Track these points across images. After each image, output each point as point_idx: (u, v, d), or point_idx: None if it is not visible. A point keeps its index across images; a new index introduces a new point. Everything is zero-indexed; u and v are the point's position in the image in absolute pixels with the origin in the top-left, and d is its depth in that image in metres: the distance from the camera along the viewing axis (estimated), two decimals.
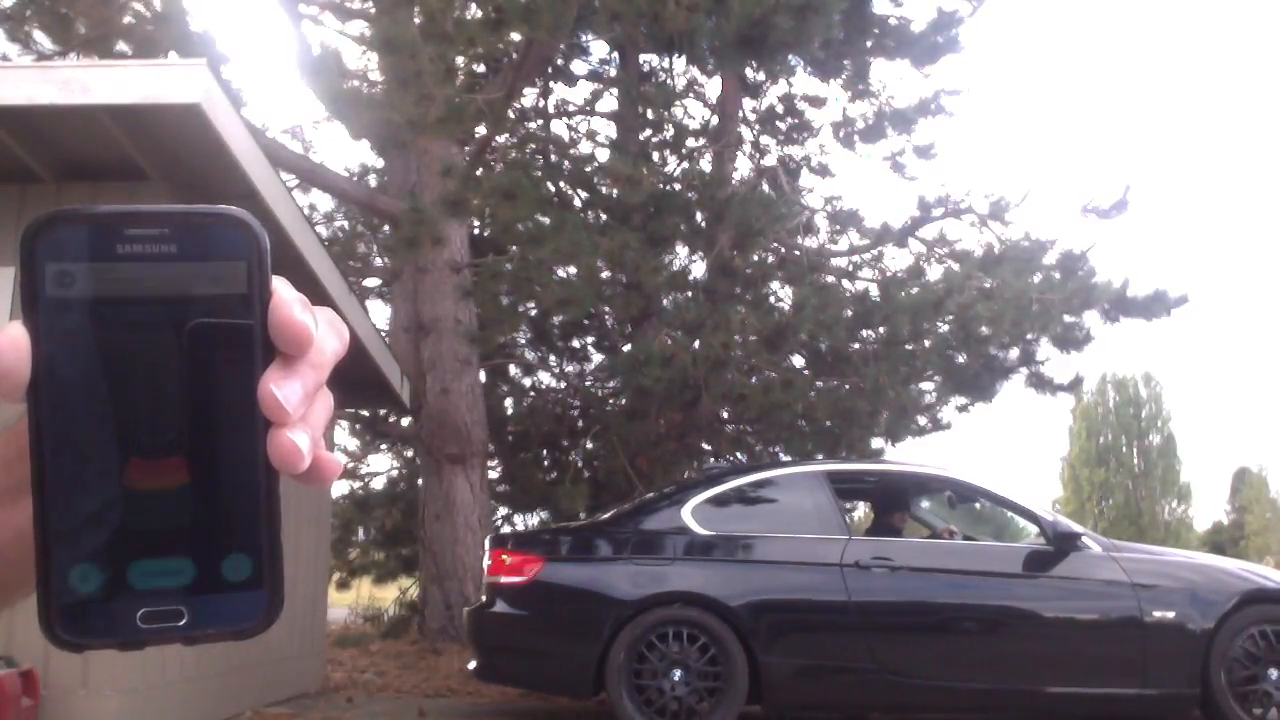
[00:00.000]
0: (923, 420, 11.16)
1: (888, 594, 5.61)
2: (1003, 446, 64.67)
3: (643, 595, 5.55)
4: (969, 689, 5.53)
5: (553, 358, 13.24)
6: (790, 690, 5.56)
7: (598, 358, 12.92)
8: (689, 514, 5.86)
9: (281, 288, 0.44)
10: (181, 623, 0.42)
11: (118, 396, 0.42)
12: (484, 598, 5.90)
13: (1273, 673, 5.42)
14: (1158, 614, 5.49)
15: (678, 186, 9.82)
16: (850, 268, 11.93)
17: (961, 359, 10.44)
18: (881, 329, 9.87)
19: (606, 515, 6.50)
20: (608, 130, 13.20)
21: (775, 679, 5.48)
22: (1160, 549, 6.36)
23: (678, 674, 5.41)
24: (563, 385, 13.00)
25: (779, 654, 5.50)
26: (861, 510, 9.19)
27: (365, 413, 11.77)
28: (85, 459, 0.41)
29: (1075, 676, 5.49)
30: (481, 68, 10.85)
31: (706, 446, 11.18)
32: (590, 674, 5.47)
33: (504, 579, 5.73)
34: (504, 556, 5.78)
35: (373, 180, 13.08)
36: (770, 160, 12.85)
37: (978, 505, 6.52)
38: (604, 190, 10.84)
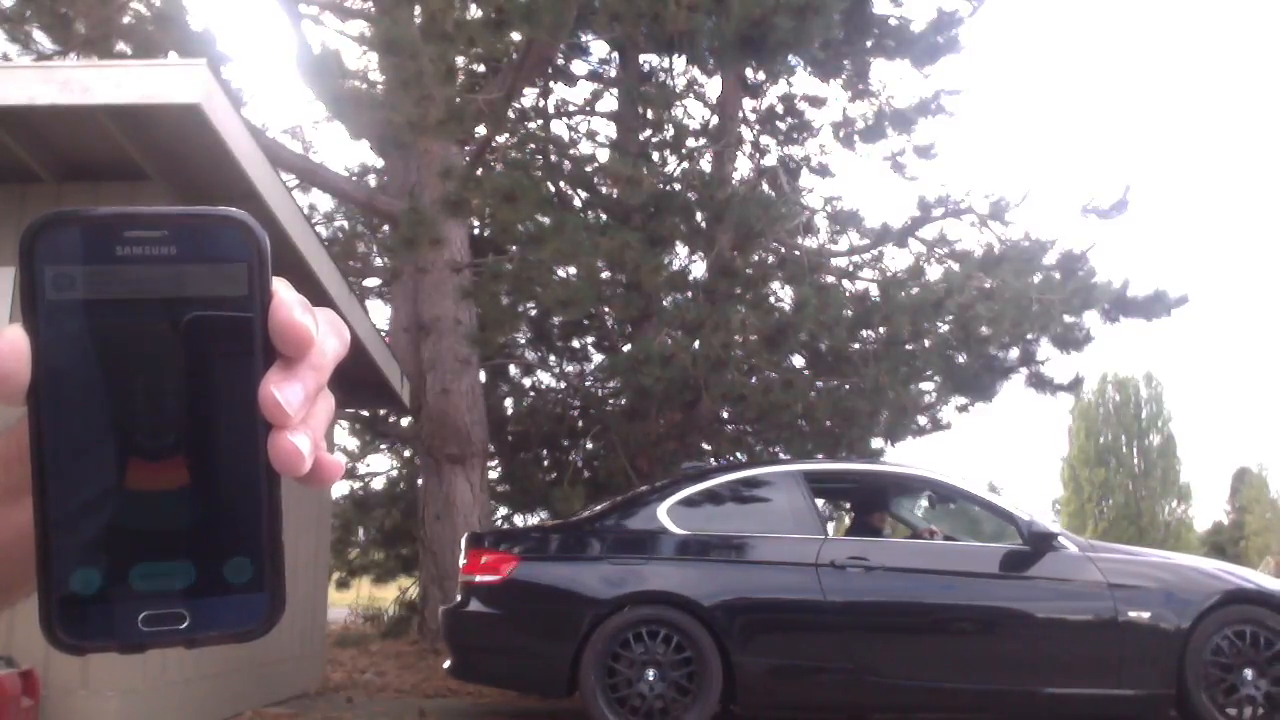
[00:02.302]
0: (923, 420, 11.16)
1: (863, 594, 5.59)
2: (1003, 446, 64.77)
3: (617, 595, 5.54)
4: (945, 689, 5.53)
5: (553, 358, 13.24)
6: (764, 690, 5.55)
7: (598, 358, 12.92)
8: (665, 513, 5.84)
9: (282, 289, 0.44)
10: (183, 625, 0.42)
11: (118, 399, 0.41)
12: (459, 597, 5.89)
13: (1248, 673, 5.41)
14: (1133, 614, 5.48)
15: (678, 186, 9.81)
16: (850, 268, 11.92)
17: (961, 359, 10.43)
18: (881, 329, 9.86)
19: (583, 515, 6.50)
20: (608, 130, 13.21)
21: (749, 679, 5.46)
22: (1137, 549, 6.35)
23: (651, 674, 5.39)
24: (563, 385, 13.00)
25: (753, 654, 5.49)
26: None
27: (365, 413, 11.77)
28: (86, 461, 0.41)
29: (1051, 676, 5.49)
30: (481, 68, 10.85)
31: (706, 446, 11.18)
32: (564, 673, 5.46)
33: (479, 578, 5.70)
34: (480, 555, 5.76)
35: (373, 180, 13.07)
36: (770, 160, 12.85)
37: (973, 507, 6.52)
38: (604, 190, 10.84)
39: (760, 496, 6.07)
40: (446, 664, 5.98)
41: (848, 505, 9.38)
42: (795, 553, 5.68)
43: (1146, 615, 5.49)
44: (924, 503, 7.24)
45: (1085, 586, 5.56)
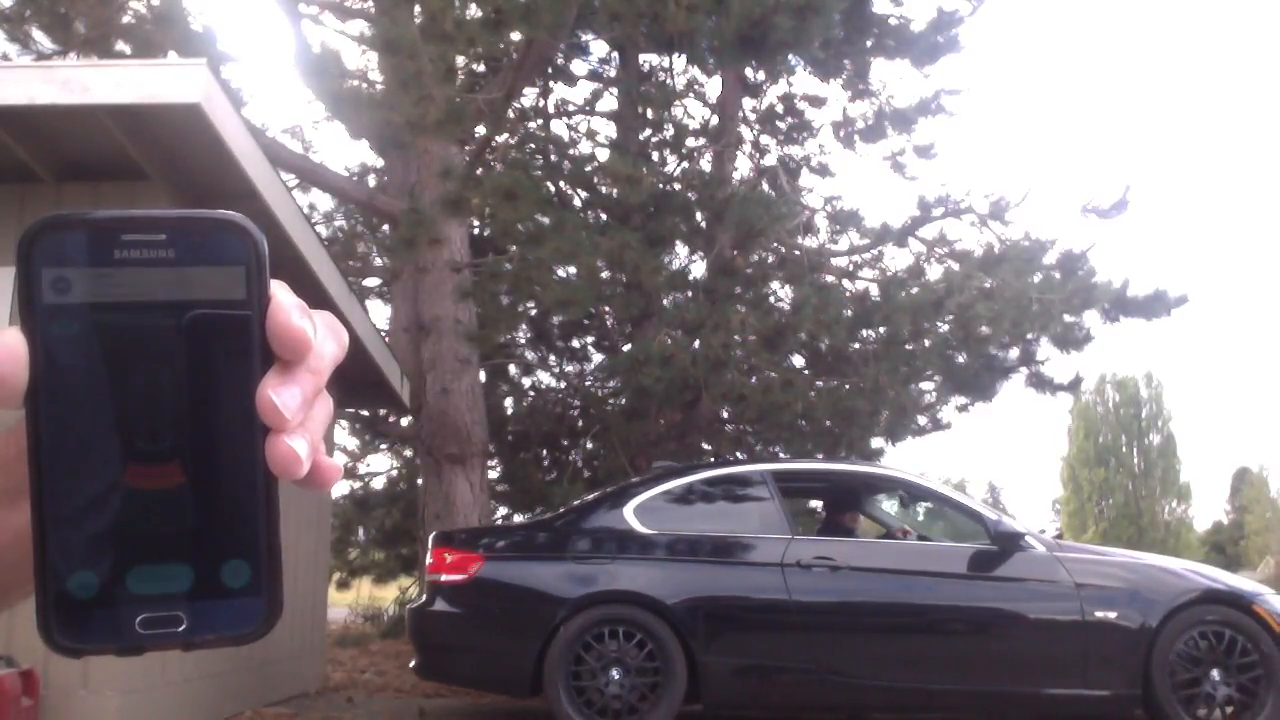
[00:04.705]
0: (923, 420, 11.15)
1: (829, 594, 5.59)
2: (1003, 446, 64.78)
3: (582, 594, 5.53)
4: (910, 689, 5.52)
5: (553, 358, 13.24)
6: (729, 689, 5.54)
7: (598, 358, 12.92)
8: (631, 513, 5.83)
9: (280, 293, 0.44)
10: (180, 628, 0.42)
11: (116, 402, 0.41)
12: (424, 596, 5.88)
13: (1214, 673, 5.39)
14: (1100, 614, 5.47)
15: (678, 186, 9.81)
16: (850, 268, 11.92)
17: (961, 359, 10.42)
18: (881, 329, 9.86)
19: (550, 514, 6.49)
20: (608, 130, 13.20)
21: (714, 678, 5.46)
22: (1105, 549, 6.32)
23: (616, 673, 5.39)
24: (563, 385, 13.01)
25: (718, 653, 5.48)
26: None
27: (365, 413, 11.76)
28: (83, 465, 0.41)
29: (1017, 676, 5.48)
30: (481, 68, 10.84)
31: (706, 446, 11.17)
32: (529, 673, 5.45)
33: (445, 577, 5.69)
34: (446, 555, 5.75)
35: (373, 180, 13.07)
36: (770, 160, 12.84)
37: (943, 506, 6.51)
38: (604, 190, 10.83)
39: (728, 496, 6.08)
40: (413, 663, 5.98)
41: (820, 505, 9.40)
42: (761, 552, 5.68)
43: (1113, 615, 5.48)
44: (897, 503, 7.26)
45: (1052, 586, 5.55)
